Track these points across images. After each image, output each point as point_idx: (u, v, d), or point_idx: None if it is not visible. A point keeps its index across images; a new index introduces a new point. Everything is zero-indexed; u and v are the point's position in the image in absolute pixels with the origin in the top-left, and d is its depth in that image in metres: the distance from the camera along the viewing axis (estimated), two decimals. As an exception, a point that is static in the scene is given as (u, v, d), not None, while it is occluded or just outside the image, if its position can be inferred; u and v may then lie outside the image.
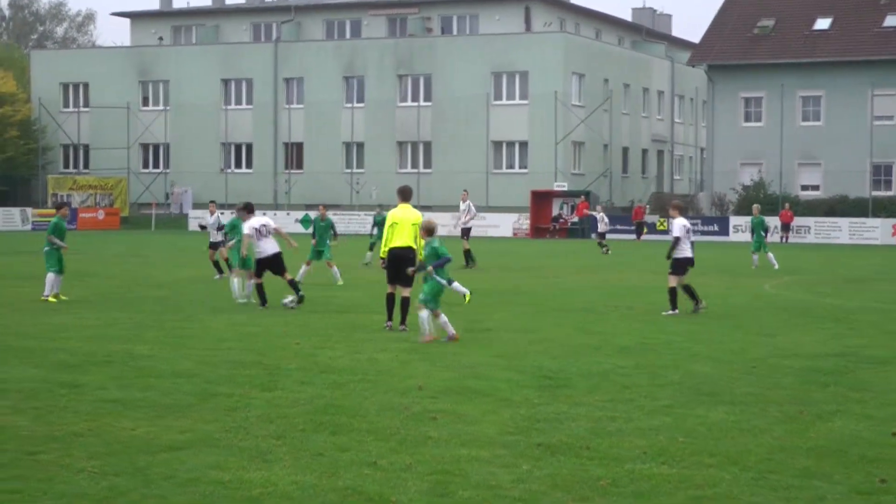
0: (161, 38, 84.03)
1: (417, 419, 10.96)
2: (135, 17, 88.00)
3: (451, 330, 16.74)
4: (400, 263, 17.86)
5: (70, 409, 11.27)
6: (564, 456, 9.54)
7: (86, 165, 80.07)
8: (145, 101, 78.91)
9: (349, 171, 73.57)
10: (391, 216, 18.14)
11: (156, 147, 78.77)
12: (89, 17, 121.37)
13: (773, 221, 58.99)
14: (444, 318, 16.76)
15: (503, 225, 66.40)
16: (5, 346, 15.91)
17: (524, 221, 66.08)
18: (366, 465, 9.16)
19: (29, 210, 72.11)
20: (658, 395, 12.33)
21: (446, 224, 64.78)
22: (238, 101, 77.05)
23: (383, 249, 18.10)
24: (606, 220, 49.24)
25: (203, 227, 31.13)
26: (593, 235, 46.64)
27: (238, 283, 22.94)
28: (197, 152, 76.54)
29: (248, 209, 22.93)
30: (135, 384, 12.74)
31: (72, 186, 75.88)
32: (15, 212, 71.16)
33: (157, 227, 71.85)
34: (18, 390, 12.26)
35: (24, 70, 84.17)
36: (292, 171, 75.17)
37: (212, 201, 32.58)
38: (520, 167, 71.12)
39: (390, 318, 18.17)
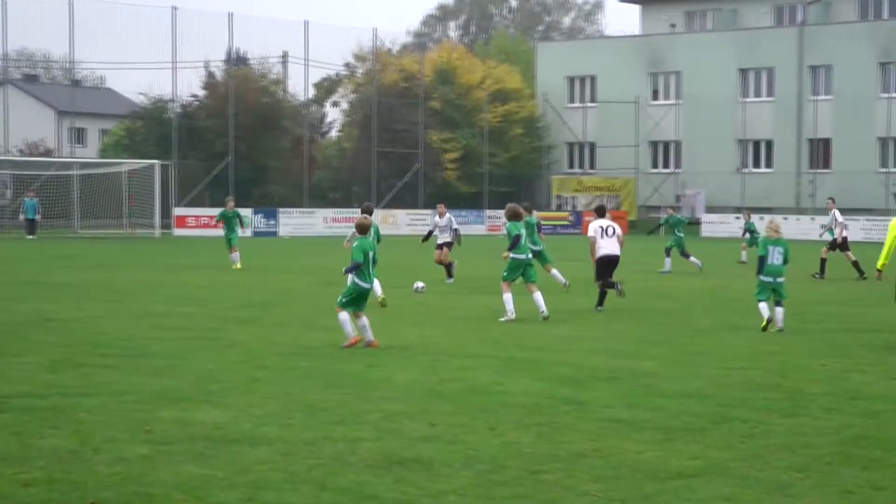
0: (673, 26, 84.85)
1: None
2: (645, 3, 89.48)
3: (369, 335, 17.32)
4: None
5: (574, 427, 11.64)
6: None
7: (591, 165, 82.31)
8: (655, 95, 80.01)
9: (885, 170, 70.89)
10: None
11: (666, 145, 79.68)
12: (598, 6, 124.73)
13: None
14: (364, 320, 17.37)
15: None
16: (508, 357, 16.68)
17: None
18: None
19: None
20: None
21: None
22: (757, 93, 76.40)
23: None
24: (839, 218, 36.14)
25: (430, 234, 31.33)
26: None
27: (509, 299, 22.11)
28: (710, 150, 76.56)
29: (599, 211, 24.75)
30: (642, 403, 12.96)
31: (576, 188, 78.33)
32: (518, 214, 74.42)
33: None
34: (522, 405, 12.82)
35: (530, 64, 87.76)
36: (818, 170, 73.50)
37: (440, 203, 33.02)
38: None
39: None
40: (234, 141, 67.97)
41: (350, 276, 17.88)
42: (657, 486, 9.43)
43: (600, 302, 23.86)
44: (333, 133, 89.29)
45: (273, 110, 72.76)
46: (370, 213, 24.73)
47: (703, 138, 76.82)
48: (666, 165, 79.76)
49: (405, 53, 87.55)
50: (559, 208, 77.19)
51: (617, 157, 79.08)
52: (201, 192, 67.36)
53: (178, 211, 62.91)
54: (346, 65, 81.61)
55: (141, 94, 73.80)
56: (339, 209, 69.83)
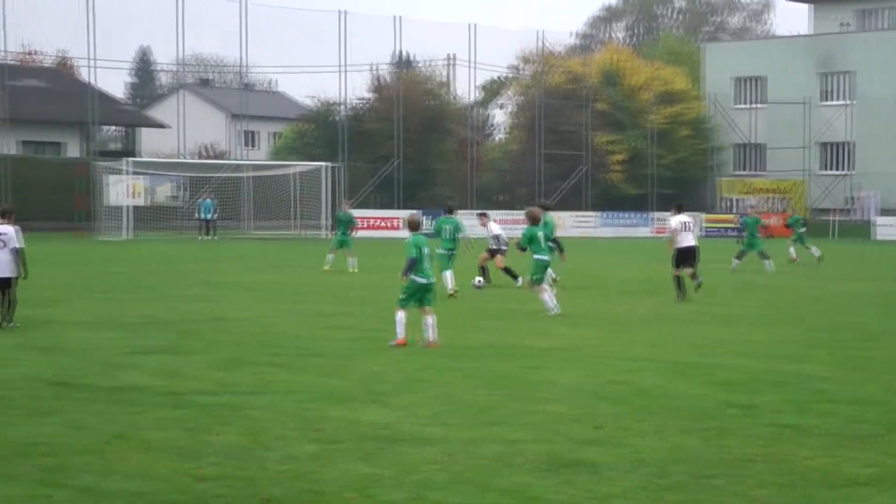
0: (846, 24, 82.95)
1: None
2: (816, 2, 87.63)
3: (430, 335, 17.49)
4: None
5: (742, 431, 11.46)
6: None
7: (760, 167, 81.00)
8: (825, 96, 78.34)
9: None
10: None
11: (837, 146, 77.96)
12: (767, 6, 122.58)
13: None
14: (429, 319, 17.57)
15: None
16: (672, 360, 16.50)
17: None
18: None
19: (700, 215, 74.36)
20: None
21: None
22: (932, 93, 74.30)
23: None
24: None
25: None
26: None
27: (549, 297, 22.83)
28: (884, 152, 74.63)
29: (679, 208, 27.19)
30: (812, 409, 12.70)
31: (744, 189, 77.19)
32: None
33: (840, 234, 70.98)
34: (688, 408, 12.67)
35: (697, 65, 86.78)
36: None
37: (482, 213, 32.35)
38: None
39: None
40: (401, 143, 68.60)
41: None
42: (829, 493, 9.23)
43: (679, 288, 25.91)
44: (498, 135, 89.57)
45: (439, 113, 73.24)
46: (451, 213, 27.89)
47: (877, 139, 74.92)
48: (837, 167, 78.04)
49: (571, 55, 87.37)
50: (727, 210, 76.11)
51: (786, 159, 77.64)
52: (369, 194, 68.15)
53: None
54: (512, 67, 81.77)
55: (310, 97, 75.04)
56: (504, 211, 69.97)
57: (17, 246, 19.35)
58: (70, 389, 13.37)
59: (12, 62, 69.01)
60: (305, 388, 13.69)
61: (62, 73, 77.65)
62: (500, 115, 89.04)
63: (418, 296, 17.72)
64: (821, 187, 76.50)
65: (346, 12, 66.90)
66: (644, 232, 69.88)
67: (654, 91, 77.95)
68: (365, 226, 62.15)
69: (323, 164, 62.20)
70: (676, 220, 26.71)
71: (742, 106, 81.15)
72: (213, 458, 10.08)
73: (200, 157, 76.75)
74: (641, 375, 14.97)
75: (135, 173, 59.59)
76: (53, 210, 57.53)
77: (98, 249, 46.40)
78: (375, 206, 66.91)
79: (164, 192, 63.95)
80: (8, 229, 19.42)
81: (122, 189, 58.23)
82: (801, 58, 78.54)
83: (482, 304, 24.84)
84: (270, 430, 11.21)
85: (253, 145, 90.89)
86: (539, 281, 22.68)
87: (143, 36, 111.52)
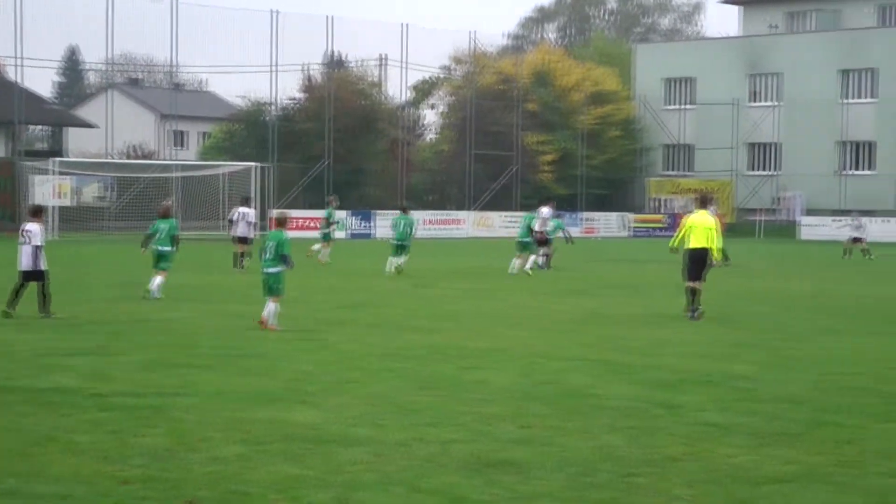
0: (775, 27, 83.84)
1: None
2: (746, 4, 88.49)
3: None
4: None
5: (667, 430, 11.58)
6: None
7: (688, 167, 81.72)
8: (754, 97, 79.18)
9: None
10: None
11: (764, 147, 78.81)
12: (697, 7, 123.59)
13: None
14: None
15: None
16: (603, 360, 16.62)
17: None
18: None
19: (628, 216, 74.86)
20: None
21: None
22: (859, 95, 75.29)
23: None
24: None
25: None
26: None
27: None
28: (810, 152, 75.58)
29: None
30: (735, 407, 12.86)
31: (673, 190, 77.82)
32: (613, 217, 74.17)
33: (765, 234, 71.85)
34: (615, 408, 12.78)
35: (627, 66, 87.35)
36: (921, 172, 72.25)
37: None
38: None
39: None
40: (332, 143, 68.43)
41: None
42: (751, 490, 9.34)
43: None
44: (430, 136, 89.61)
45: (370, 113, 73.10)
46: (406, 211, 32.21)
47: (803, 140, 75.86)
48: (764, 167, 78.91)
49: (503, 56, 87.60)
50: (655, 210, 76.69)
51: (714, 160, 78.42)
52: (298, 195, 67.90)
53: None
54: (444, 67, 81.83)
55: (240, 97, 74.65)
56: (435, 211, 70.05)
57: (39, 244, 21.21)
58: (-6, 392, 13.22)
59: (-64, 60, 68.05)
60: (232, 388, 13.63)
61: (-13, 71, 76.66)
62: (431, 116, 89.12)
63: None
64: (748, 187, 77.33)
65: (277, 12, 66.64)
66: (574, 232, 70.05)
67: (585, 92, 78.36)
68: (295, 226, 61.92)
69: (252, 164, 61.87)
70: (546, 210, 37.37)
71: (671, 107, 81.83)
72: (138, 461, 10.01)
73: (129, 157, 76.05)
74: (572, 375, 15.06)
75: (61, 173, 58.93)
76: (-22, 211, 56.82)
77: (24, 250, 45.79)
78: (304, 207, 66.66)
79: (92, 192, 63.29)
80: (34, 227, 21.31)
81: (48, 189, 57.58)
82: (731, 59, 79.32)
83: (417, 305, 24.84)
84: (195, 432, 11.16)
85: (182, 145, 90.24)
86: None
87: (72, 35, 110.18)
